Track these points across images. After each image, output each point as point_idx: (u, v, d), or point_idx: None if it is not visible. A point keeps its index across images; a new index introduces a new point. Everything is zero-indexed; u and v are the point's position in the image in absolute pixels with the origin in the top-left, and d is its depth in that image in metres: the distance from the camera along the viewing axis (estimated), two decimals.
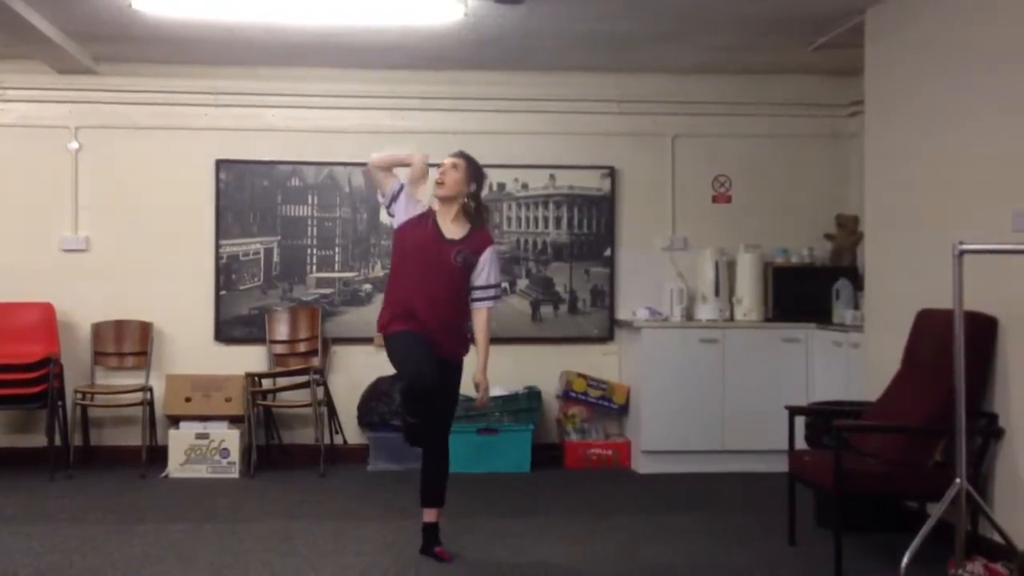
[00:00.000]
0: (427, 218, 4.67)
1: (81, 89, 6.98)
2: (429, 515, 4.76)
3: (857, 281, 6.67)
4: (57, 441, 6.58)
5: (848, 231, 7.16)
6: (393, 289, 4.72)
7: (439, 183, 4.66)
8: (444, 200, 4.68)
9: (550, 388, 7.20)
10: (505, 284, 7.31)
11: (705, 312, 7.04)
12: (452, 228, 4.66)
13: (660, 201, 7.42)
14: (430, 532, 4.75)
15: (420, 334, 4.55)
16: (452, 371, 4.68)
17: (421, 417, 4.53)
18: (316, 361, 6.94)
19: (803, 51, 6.57)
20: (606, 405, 7.11)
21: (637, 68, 7.19)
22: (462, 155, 4.75)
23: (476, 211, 4.73)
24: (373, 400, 6.90)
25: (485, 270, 4.69)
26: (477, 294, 4.70)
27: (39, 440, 6.64)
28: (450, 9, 5.63)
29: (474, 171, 4.73)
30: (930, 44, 5.21)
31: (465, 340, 4.76)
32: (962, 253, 4.12)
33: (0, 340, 6.66)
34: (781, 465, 5.14)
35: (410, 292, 4.59)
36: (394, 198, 4.69)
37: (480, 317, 4.72)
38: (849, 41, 6.10)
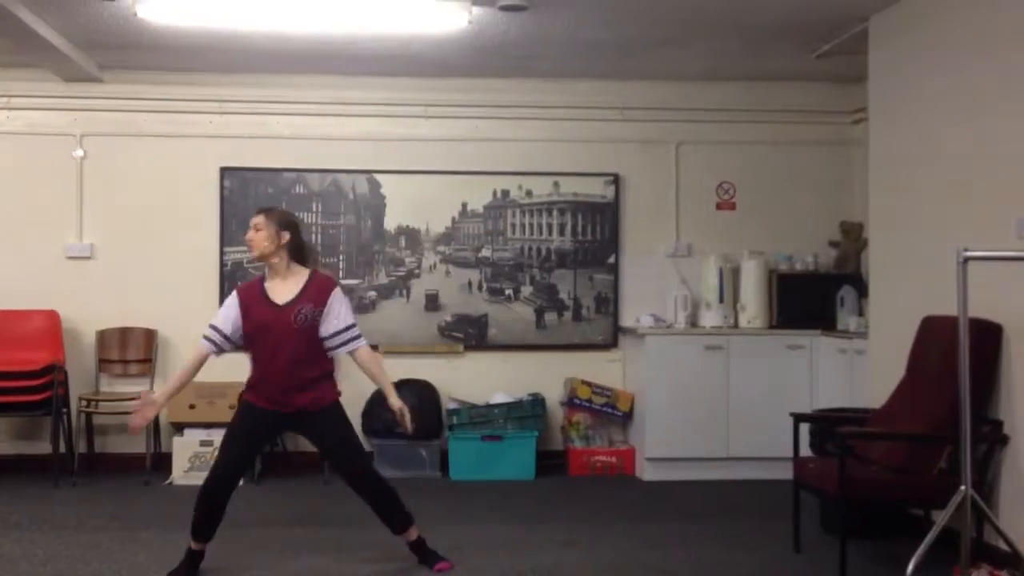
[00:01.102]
0: (255, 290, 4.56)
1: (86, 97, 7.00)
2: (409, 535, 4.71)
3: (861, 288, 6.67)
4: (62, 448, 6.59)
5: (852, 238, 7.16)
6: (253, 365, 4.58)
7: (250, 246, 4.54)
8: (262, 260, 4.55)
9: (554, 395, 7.20)
10: (509, 291, 7.32)
11: (709, 319, 7.04)
12: (283, 290, 4.52)
13: (664, 208, 7.43)
14: (419, 548, 4.71)
15: (260, 414, 4.50)
16: (321, 415, 4.54)
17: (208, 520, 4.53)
18: None
19: (807, 58, 6.57)
20: (610, 412, 7.10)
21: (641, 75, 7.20)
22: (261, 211, 4.61)
23: (301, 257, 4.60)
24: (377, 407, 6.89)
25: (333, 315, 4.52)
26: (335, 342, 4.53)
27: (44, 447, 6.66)
28: (454, 17, 5.64)
29: (280, 221, 4.54)
30: (934, 51, 5.22)
31: (332, 384, 4.62)
32: (966, 260, 4.11)
33: (5, 347, 6.68)
34: (785, 472, 5.13)
35: (265, 366, 4.49)
36: (224, 340, 4.54)
37: (361, 359, 4.61)
38: (852, 48, 6.11)
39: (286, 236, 4.53)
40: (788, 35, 6.16)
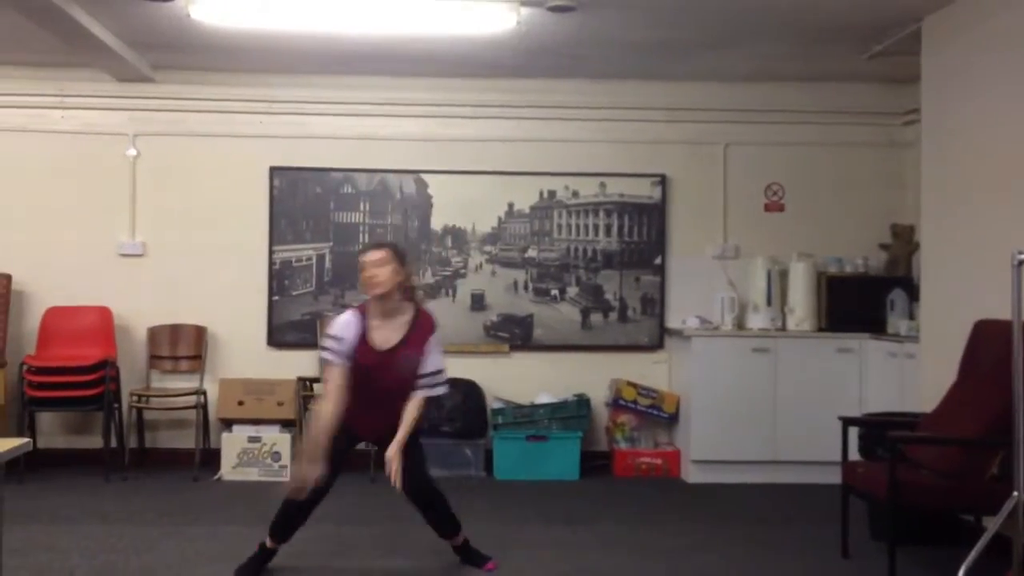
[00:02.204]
0: (361, 330, 4.41)
1: (139, 97, 7.11)
2: (455, 540, 4.70)
3: (912, 291, 6.59)
4: (113, 443, 6.70)
5: (903, 241, 7.07)
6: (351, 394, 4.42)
7: (372, 284, 4.39)
8: (379, 298, 4.42)
9: (599, 396, 7.19)
10: (555, 291, 7.32)
11: (757, 321, 6.99)
12: (387, 332, 4.44)
13: (711, 209, 7.38)
14: (465, 551, 4.70)
15: (347, 432, 4.43)
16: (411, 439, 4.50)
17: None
18: None
19: (858, 59, 6.50)
20: (656, 414, 7.07)
21: (689, 76, 7.17)
22: (378, 247, 4.50)
23: (410, 296, 4.52)
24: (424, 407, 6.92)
25: (428, 358, 4.46)
26: (421, 383, 4.47)
27: (95, 442, 6.77)
28: (502, 18, 5.65)
29: (399, 256, 4.47)
30: (988, 52, 5.14)
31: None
32: (1021, 263, 4.04)
33: (59, 343, 6.80)
34: (832, 477, 5.09)
35: (359, 394, 4.40)
36: (348, 352, 4.42)
37: (415, 404, 4.46)
38: (905, 49, 6.04)
39: (403, 275, 4.44)
40: (839, 36, 6.10)
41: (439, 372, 4.51)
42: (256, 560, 4.54)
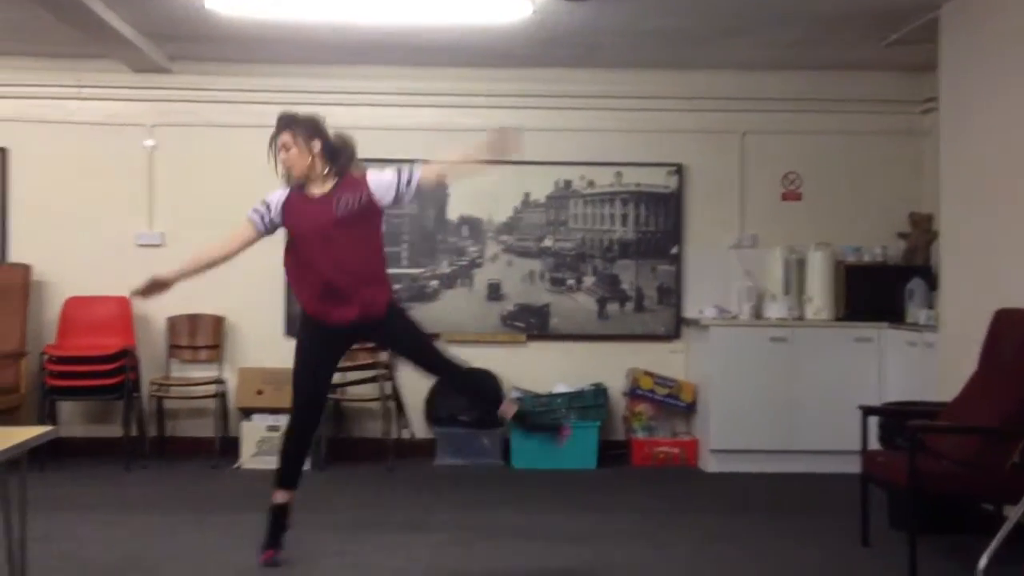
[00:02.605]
0: (294, 195, 4.36)
1: (156, 88, 7.12)
2: (506, 411, 4.56)
3: (931, 280, 6.56)
4: (133, 432, 6.75)
5: (922, 230, 7.04)
6: (294, 273, 4.42)
7: (288, 169, 4.31)
8: (300, 179, 4.34)
9: (617, 385, 7.19)
10: (571, 281, 7.31)
11: (774, 311, 6.98)
12: (319, 190, 4.33)
13: (728, 198, 7.37)
14: (520, 421, 4.60)
15: (318, 325, 4.32)
16: (384, 321, 4.36)
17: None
18: (385, 357, 6.99)
19: (875, 47, 6.47)
20: (673, 403, 7.07)
21: (706, 64, 7.14)
22: (284, 126, 4.31)
23: (335, 160, 4.35)
24: (440, 396, 6.95)
25: (384, 180, 4.30)
26: (403, 187, 4.29)
27: (116, 430, 6.81)
28: (518, 7, 5.64)
29: (307, 130, 4.31)
30: (1008, 39, 5.10)
31: (383, 285, 4.40)
32: None
33: (79, 333, 6.84)
34: (851, 466, 5.08)
35: (309, 269, 4.31)
36: (270, 221, 4.40)
37: (430, 168, 4.36)
38: (923, 37, 6.00)
39: (317, 145, 4.32)
40: (857, 23, 6.07)
41: (399, 169, 4.31)
42: (274, 526, 4.49)
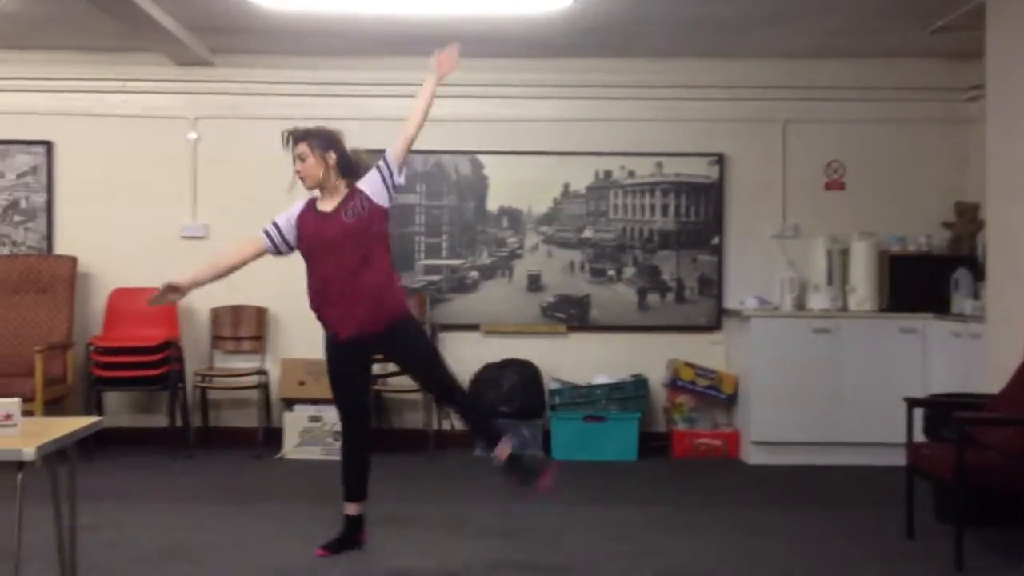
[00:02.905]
0: (307, 212, 4.46)
1: (199, 81, 7.19)
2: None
3: (977, 270, 6.47)
4: (178, 422, 6.82)
5: (967, 219, 6.95)
6: (312, 292, 4.49)
7: (303, 179, 4.43)
8: (313, 189, 4.46)
9: (657, 377, 7.17)
10: (612, 272, 7.30)
11: (817, 301, 6.92)
12: (329, 203, 4.41)
13: (770, 188, 7.31)
14: (513, 465, 4.48)
15: (338, 342, 4.41)
16: (398, 332, 4.39)
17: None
18: None
19: (920, 34, 6.38)
20: (714, 394, 7.04)
21: (747, 53, 7.08)
22: (302, 137, 4.42)
23: (350, 170, 4.43)
24: (480, 386, 6.96)
25: (373, 182, 4.37)
26: (388, 179, 4.40)
27: (160, 420, 6.90)
28: None
29: (324, 141, 4.40)
30: None
31: (396, 294, 4.44)
32: None
33: (124, 324, 6.93)
34: (895, 458, 5.04)
35: (325, 284, 4.39)
36: (281, 240, 4.49)
37: (394, 148, 4.43)
38: (969, 23, 5.91)
39: (333, 157, 4.40)
40: (901, 10, 5.99)
41: (381, 169, 4.38)
42: (342, 535, 4.55)
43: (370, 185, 4.43)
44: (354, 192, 4.42)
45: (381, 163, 4.46)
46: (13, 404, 3.26)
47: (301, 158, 4.42)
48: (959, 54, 6.84)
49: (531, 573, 4.35)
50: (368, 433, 4.63)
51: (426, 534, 4.90)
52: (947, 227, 7.10)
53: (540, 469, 4.50)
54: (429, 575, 4.31)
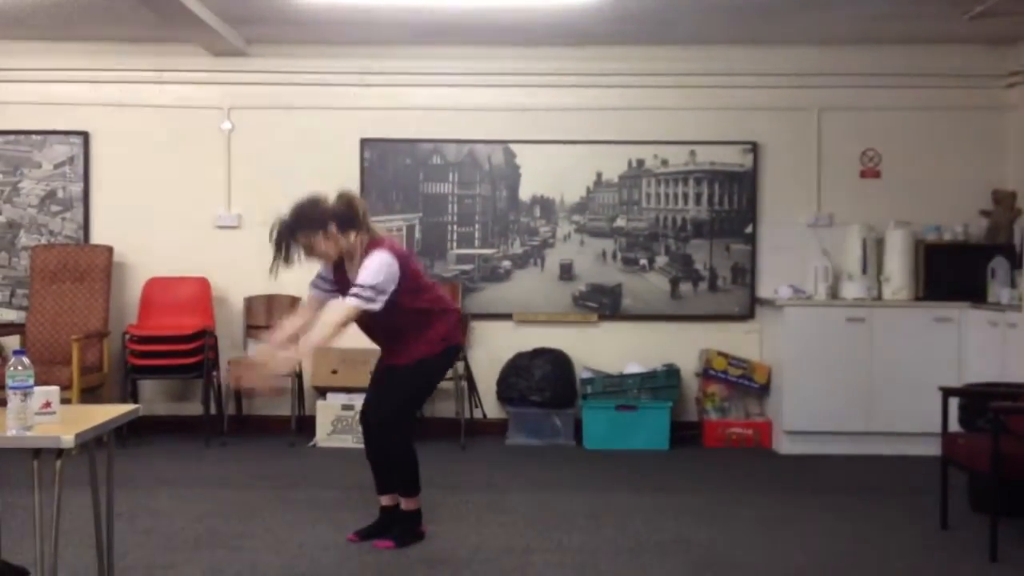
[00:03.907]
0: (335, 271, 4.51)
1: (234, 71, 7.23)
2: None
3: (1015, 259, 6.40)
4: (212, 410, 6.89)
5: (1006, 207, 6.87)
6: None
7: (326, 261, 4.45)
8: (338, 262, 4.47)
9: (689, 366, 7.15)
10: (644, 261, 7.28)
11: (851, 290, 6.86)
12: (356, 261, 4.38)
13: (805, 177, 7.25)
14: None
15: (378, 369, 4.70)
16: (393, 370, 4.57)
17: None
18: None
19: (959, 19, 6.30)
20: (746, 384, 7.01)
21: (781, 40, 7.02)
22: (291, 232, 4.32)
23: (354, 224, 4.38)
24: (512, 376, 6.98)
25: (360, 272, 4.27)
26: (349, 291, 4.28)
27: (195, 408, 6.97)
28: None
29: (312, 222, 4.32)
30: None
31: (413, 347, 4.49)
32: None
33: (160, 313, 7.00)
34: (929, 448, 5.00)
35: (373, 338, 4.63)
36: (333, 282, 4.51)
37: (331, 308, 4.34)
38: (1008, 9, 5.84)
39: (332, 226, 4.34)
40: None
41: (363, 287, 4.22)
42: (377, 522, 4.64)
43: (365, 263, 4.33)
44: (365, 259, 4.35)
45: (368, 275, 4.27)
46: (52, 392, 3.31)
47: (309, 250, 4.37)
48: (998, 40, 6.76)
49: (563, 558, 4.36)
50: (379, 444, 4.68)
51: (459, 521, 4.92)
52: (984, 215, 7.02)
53: (411, 541, 4.54)
54: (463, 561, 4.32)
